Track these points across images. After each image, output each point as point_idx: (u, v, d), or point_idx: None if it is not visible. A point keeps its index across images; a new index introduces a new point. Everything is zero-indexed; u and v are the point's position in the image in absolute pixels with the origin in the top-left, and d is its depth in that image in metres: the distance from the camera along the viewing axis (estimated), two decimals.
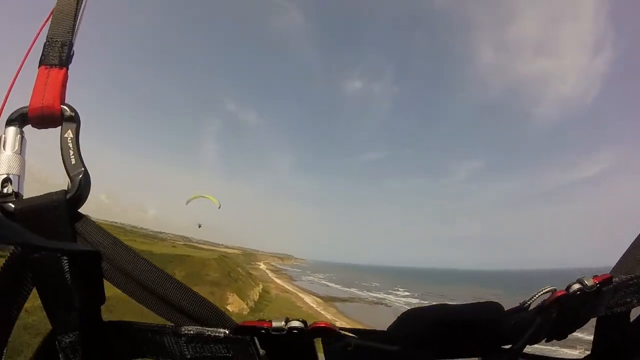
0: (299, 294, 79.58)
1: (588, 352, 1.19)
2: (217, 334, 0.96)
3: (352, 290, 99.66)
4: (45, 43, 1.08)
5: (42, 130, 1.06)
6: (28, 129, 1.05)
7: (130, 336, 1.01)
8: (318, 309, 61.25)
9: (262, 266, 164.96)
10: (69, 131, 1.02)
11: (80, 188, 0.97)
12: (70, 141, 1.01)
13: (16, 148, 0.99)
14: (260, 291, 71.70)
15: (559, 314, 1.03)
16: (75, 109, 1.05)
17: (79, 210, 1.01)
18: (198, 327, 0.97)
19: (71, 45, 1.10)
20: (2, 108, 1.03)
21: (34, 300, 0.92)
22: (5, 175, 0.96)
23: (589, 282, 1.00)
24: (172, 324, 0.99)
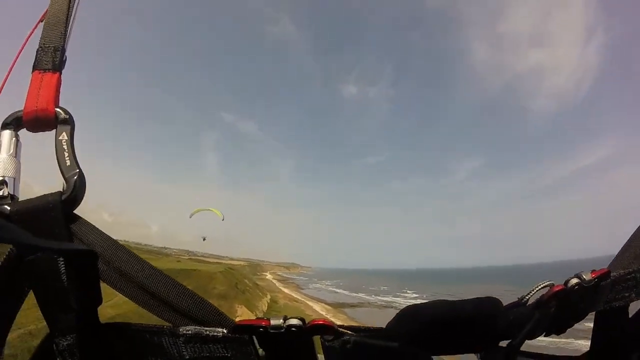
0: (308, 302, 78.93)
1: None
2: (215, 334, 0.96)
3: (360, 295, 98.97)
4: (38, 49, 1.10)
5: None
6: (23, 132, 1.07)
7: (128, 337, 1.00)
8: (328, 316, 60.54)
9: (269, 276, 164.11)
10: (64, 133, 1.03)
11: (76, 189, 0.98)
12: (64, 143, 1.02)
13: (11, 151, 1.00)
14: (269, 301, 71.21)
15: (558, 308, 1.03)
16: (70, 111, 1.05)
17: (75, 211, 1.01)
18: (196, 327, 0.97)
19: (64, 50, 1.11)
20: None
21: (37, 323, 1.04)
22: (1, 178, 0.97)
23: (587, 277, 1.00)
24: (170, 325, 0.98)
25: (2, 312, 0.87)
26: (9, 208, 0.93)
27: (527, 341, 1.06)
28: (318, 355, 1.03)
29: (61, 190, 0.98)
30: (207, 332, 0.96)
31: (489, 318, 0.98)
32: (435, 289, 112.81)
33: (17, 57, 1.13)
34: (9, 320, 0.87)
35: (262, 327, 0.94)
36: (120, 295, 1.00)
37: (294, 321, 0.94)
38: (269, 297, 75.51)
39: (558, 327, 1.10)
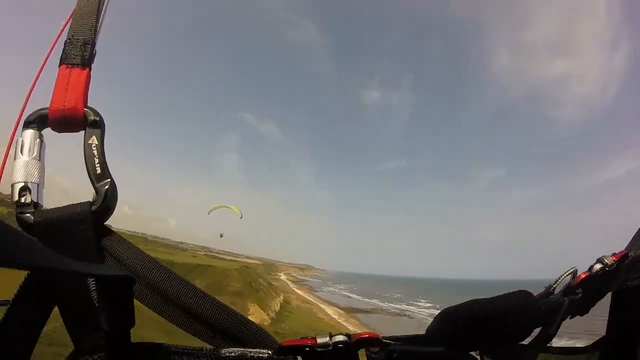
0: (320, 304, 78.82)
1: None
2: (260, 356, 0.91)
3: (374, 301, 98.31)
4: (66, 41, 1.02)
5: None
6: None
7: (161, 359, 0.93)
8: (340, 320, 60.36)
9: (283, 277, 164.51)
10: (94, 137, 0.95)
11: (107, 200, 0.90)
12: (95, 148, 0.94)
13: (35, 153, 0.91)
14: (281, 302, 71.31)
15: (584, 293, 1.06)
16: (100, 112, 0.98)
17: (105, 224, 0.94)
18: (240, 348, 0.92)
19: (94, 44, 1.04)
20: (23, 110, 0.97)
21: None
22: (22, 184, 0.88)
23: (608, 261, 1.04)
24: (210, 347, 0.93)
25: (27, 328, 0.82)
26: (32, 217, 0.85)
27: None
28: None
29: (91, 200, 0.90)
30: (252, 354, 0.91)
31: (523, 310, 1.00)
32: (450, 299, 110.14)
33: (49, 53, 1.04)
34: (35, 337, 0.83)
35: (308, 346, 0.91)
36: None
37: (340, 337, 0.90)
38: (282, 297, 75.60)
39: (581, 310, 1.13)
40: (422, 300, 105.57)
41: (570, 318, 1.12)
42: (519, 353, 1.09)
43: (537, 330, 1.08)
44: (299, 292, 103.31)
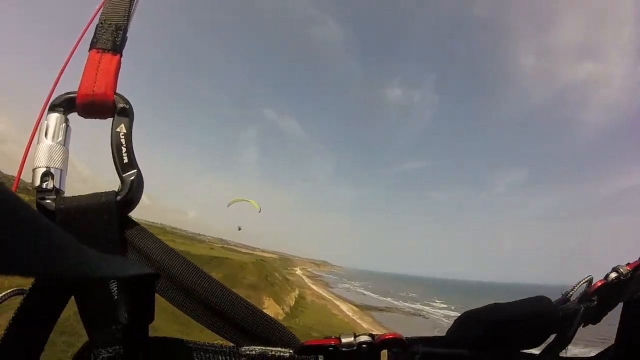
0: (335, 301, 78.83)
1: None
2: (281, 354, 0.89)
3: (389, 299, 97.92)
4: (97, 25, 1.00)
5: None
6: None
7: (178, 355, 0.90)
8: (354, 318, 60.26)
9: (299, 272, 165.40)
10: (122, 125, 0.92)
11: (132, 191, 0.88)
12: (123, 137, 0.91)
13: (60, 138, 0.88)
14: (296, 296, 71.59)
15: (599, 301, 1.07)
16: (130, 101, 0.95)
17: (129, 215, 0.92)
18: (262, 347, 0.89)
19: (126, 29, 1.01)
20: (51, 93, 0.93)
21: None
22: (45, 169, 0.85)
23: (624, 270, 1.06)
24: (231, 344, 0.91)
25: (43, 317, 0.80)
26: (54, 204, 0.83)
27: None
28: None
29: (116, 190, 0.87)
30: (273, 353, 0.88)
31: (542, 315, 1.00)
32: (465, 301, 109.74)
33: (81, 37, 1.02)
34: (50, 327, 0.82)
35: (332, 346, 0.90)
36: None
37: (365, 338, 0.90)
38: (297, 292, 75.89)
39: (595, 318, 1.13)
40: (437, 301, 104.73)
41: (583, 327, 1.12)
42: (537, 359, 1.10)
43: (551, 337, 1.08)
44: (314, 287, 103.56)
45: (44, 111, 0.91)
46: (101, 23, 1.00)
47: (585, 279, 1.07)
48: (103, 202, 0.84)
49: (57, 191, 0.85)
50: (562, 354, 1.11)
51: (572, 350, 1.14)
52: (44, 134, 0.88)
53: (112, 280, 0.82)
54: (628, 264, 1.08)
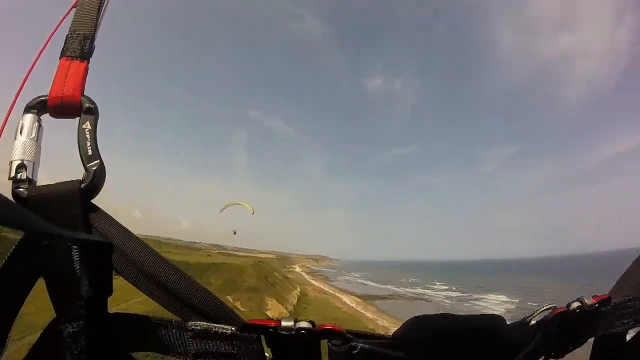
0: (337, 294, 78.96)
1: None
2: (224, 331, 0.95)
3: (390, 287, 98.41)
4: (67, 35, 1.10)
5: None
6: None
7: (135, 329, 1.00)
8: (358, 309, 60.45)
9: (298, 269, 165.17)
10: (87, 122, 1.02)
11: (95, 178, 0.97)
12: (88, 132, 1.01)
13: (33, 135, 0.99)
14: (298, 294, 71.55)
15: (559, 330, 1.07)
16: (95, 101, 1.05)
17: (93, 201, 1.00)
18: (205, 322, 0.96)
19: (93, 38, 1.11)
20: (17, 96, 1.04)
21: None
22: (19, 161, 0.95)
23: (588, 301, 1.05)
24: (179, 319, 0.98)
25: (11, 298, 0.86)
26: (26, 192, 0.92)
27: None
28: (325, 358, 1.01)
29: (81, 178, 0.97)
30: (216, 329, 0.95)
31: (494, 334, 1.00)
32: (465, 280, 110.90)
33: (46, 43, 1.11)
34: (17, 307, 0.86)
35: (272, 327, 0.94)
36: None
37: (304, 324, 0.93)
38: (298, 289, 75.88)
39: (558, 351, 1.12)
40: (437, 283, 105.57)
41: (546, 359, 1.11)
42: None
43: None
44: (315, 283, 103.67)
45: (9, 112, 1.02)
46: (70, 33, 1.09)
47: (547, 307, 1.07)
48: (69, 188, 0.94)
49: (30, 181, 0.95)
50: None
51: None
52: (19, 132, 0.98)
53: (76, 259, 0.88)
54: (594, 297, 1.06)
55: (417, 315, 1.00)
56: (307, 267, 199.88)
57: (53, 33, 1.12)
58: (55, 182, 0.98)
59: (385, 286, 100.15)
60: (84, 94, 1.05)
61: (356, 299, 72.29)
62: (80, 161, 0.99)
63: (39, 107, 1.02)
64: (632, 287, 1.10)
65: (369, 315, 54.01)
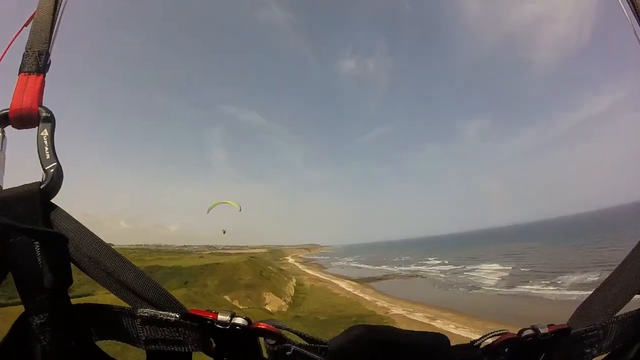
0: (333, 280, 79.56)
1: None
2: (168, 318, 0.99)
3: (384, 267, 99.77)
4: (24, 53, 1.17)
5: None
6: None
7: (95, 318, 1.05)
8: (356, 292, 61.00)
9: (291, 260, 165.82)
10: (45, 130, 1.09)
11: (53, 180, 1.03)
12: (46, 139, 1.09)
13: None
14: (295, 285, 71.81)
15: (508, 357, 1.03)
16: (51, 110, 1.13)
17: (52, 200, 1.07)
18: (152, 309, 1.01)
19: (48, 54, 1.18)
20: None
21: None
22: None
23: (542, 330, 1.00)
24: (130, 307, 1.03)
25: None
26: None
27: None
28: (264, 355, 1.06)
29: (40, 180, 1.04)
30: (162, 316, 1.00)
31: (435, 353, 0.99)
32: (457, 253, 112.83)
33: (0, 59, 1.20)
34: None
35: (209, 319, 0.98)
36: None
37: (239, 320, 0.97)
38: (294, 280, 76.12)
39: None
40: (429, 259, 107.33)
41: None
42: None
43: None
44: (310, 271, 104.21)
45: None
46: (26, 51, 1.16)
47: (499, 332, 1.03)
48: (28, 189, 1.00)
49: None
50: None
51: None
52: None
53: (38, 254, 0.95)
54: (550, 325, 1.01)
55: (358, 325, 1.00)
56: (300, 257, 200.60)
57: (7, 50, 1.21)
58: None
59: (379, 267, 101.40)
60: (42, 104, 1.12)
61: (352, 283, 72.92)
62: (40, 165, 1.06)
63: (1, 119, 1.10)
64: (594, 315, 1.06)
65: (367, 297, 54.56)
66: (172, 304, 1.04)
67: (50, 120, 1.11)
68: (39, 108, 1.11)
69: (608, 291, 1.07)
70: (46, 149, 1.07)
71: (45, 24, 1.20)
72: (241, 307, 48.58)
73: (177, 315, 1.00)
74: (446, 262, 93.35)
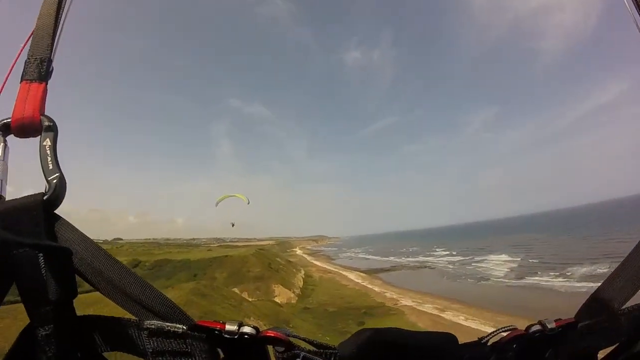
0: (341, 272, 79.68)
1: None
2: (176, 330, 1.00)
3: (392, 258, 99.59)
4: (25, 60, 1.15)
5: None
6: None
7: (101, 329, 1.05)
8: (364, 284, 61.05)
9: (299, 251, 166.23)
10: (47, 139, 1.08)
11: (56, 190, 1.03)
12: (48, 148, 1.08)
13: None
14: (303, 277, 71.97)
15: (517, 354, 1.04)
16: (54, 119, 1.11)
17: (56, 211, 1.06)
18: (159, 322, 1.01)
19: (50, 61, 1.16)
20: None
21: None
22: None
23: (550, 325, 1.01)
24: (136, 318, 1.03)
25: None
26: None
27: None
28: None
29: (43, 191, 1.03)
30: (169, 328, 1.00)
31: (445, 352, 0.98)
32: (465, 244, 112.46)
33: (10, 70, 1.16)
34: None
35: (217, 330, 0.98)
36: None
37: (248, 329, 0.97)
38: (303, 272, 76.29)
39: None
40: (437, 250, 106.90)
41: None
42: None
43: None
44: (318, 263, 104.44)
45: None
46: (28, 58, 1.15)
47: (507, 327, 1.03)
48: (32, 201, 1.00)
49: None
50: None
51: None
52: None
53: (42, 266, 0.95)
54: (557, 320, 1.02)
55: (367, 329, 0.99)
56: (308, 249, 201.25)
57: (16, 60, 1.17)
58: None
59: (387, 258, 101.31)
60: (45, 113, 1.10)
61: (361, 274, 73.01)
62: (42, 175, 1.05)
63: (3, 129, 1.08)
64: (601, 308, 1.07)
65: (376, 289, 54.55)
66: (178, 316, 1.03)
67: (52, 129, 1.09)
68: (41, 117, 1.09)
69: (614, 285, 1.08)
70: (49, 159, 1.06)
71: (47, 31, 1.18)
72: (250, 299, 48.80)
73: (185, 327, 1.00)
74: (454, 253, 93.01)
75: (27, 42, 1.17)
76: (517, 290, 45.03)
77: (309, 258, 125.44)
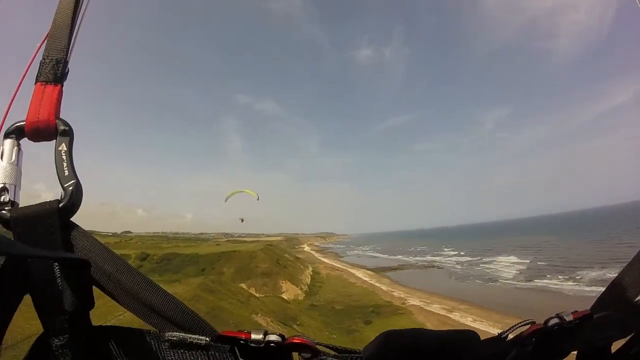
0: (349, 269, 79.63)
1: None
2: (198, 341, 0.98)
3: (400, 257, 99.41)
4: (41, 61, 1.12)
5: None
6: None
7: (117, 340, 1.03)
8: (372, 282, 60.98)
9: (307, 248, 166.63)
10: (63, 144, 1.05)
11: (72, 197, 1.01)
12: (64, 154, 1.05)
13: (13, 159, 1.03)
14: (311, 273, 72.11)
15: (536, 347, 1.06)
16: (70, 123, 1.09)
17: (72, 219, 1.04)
18: (181, 333, 0.99)
19: (66, 62, 1.14)
20: (2, 123, 1.08)
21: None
22: (2, 185, 1.00)
23: (567, 318, 1.02)
24: (156, 330, 1.01)
25: (0, 312, 0.91)
26: (9, 214, 0.96)
27: None
28: None
29: (59, 198, 1.01)
30: (191, 340, 0.98)
31: (467, 350, 1.00)
32: (473, 244, 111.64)
33: (26, 71, 1.13)
34: (5, 324, 0.91)
35: (242, 339, 0.97)
36: None
37: (274, 337, 0.96)
38: (310, 269, 76.43)
39: None
40: (445, 249, 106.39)
41: None
42: None
43: None
44: (326, 260, 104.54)
45: None
46: (44, 59, 1.11)
47: (525, 322, 1.05)
48: (47, 208, 0.97)
49: (13, 203, 0.99)
50: None
51: None
52: (0, 158, 1.03)
53: (57, 275, 0.94)
54: (574, 312, 1.04)
55: (389, 331, 1.00)
56: (316, 245, 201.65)
57: (32, 60, 1.14)
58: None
59: (395, 257, 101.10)
60: (60, 117, 1.07)
61: (369, 272, 72.92)
62: (58, 181, 1.03)
63: (17, 132, 1.05)
64: (615, 300, 1.09)
65: (383, 287, 54.53)
66: (201, 326, 1.02)
67: (68, 134, 1.07)
68: (57, 121, 1.06)
69: (629, 277, 1.09)
70: (64, 165, 1.04)
71: (63, 30, 1.15)
72: (258, 295, 49.08)
73: (208, 339, 0.98)
74: (462, 253, 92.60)
75: (43, 41, 1.14)
76: (526, 292, 44.74)
77: (317, 255, 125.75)
